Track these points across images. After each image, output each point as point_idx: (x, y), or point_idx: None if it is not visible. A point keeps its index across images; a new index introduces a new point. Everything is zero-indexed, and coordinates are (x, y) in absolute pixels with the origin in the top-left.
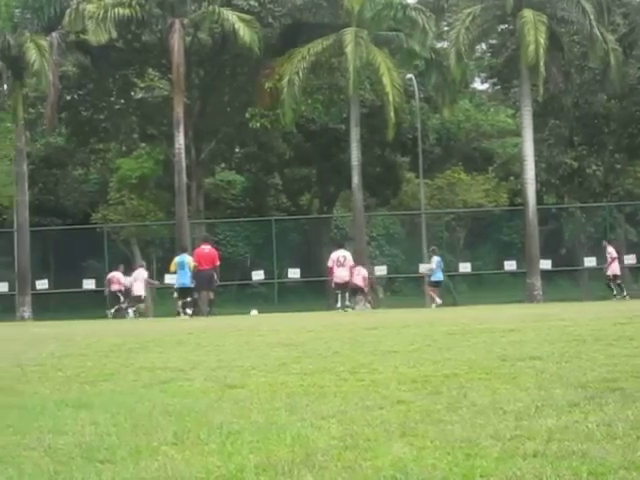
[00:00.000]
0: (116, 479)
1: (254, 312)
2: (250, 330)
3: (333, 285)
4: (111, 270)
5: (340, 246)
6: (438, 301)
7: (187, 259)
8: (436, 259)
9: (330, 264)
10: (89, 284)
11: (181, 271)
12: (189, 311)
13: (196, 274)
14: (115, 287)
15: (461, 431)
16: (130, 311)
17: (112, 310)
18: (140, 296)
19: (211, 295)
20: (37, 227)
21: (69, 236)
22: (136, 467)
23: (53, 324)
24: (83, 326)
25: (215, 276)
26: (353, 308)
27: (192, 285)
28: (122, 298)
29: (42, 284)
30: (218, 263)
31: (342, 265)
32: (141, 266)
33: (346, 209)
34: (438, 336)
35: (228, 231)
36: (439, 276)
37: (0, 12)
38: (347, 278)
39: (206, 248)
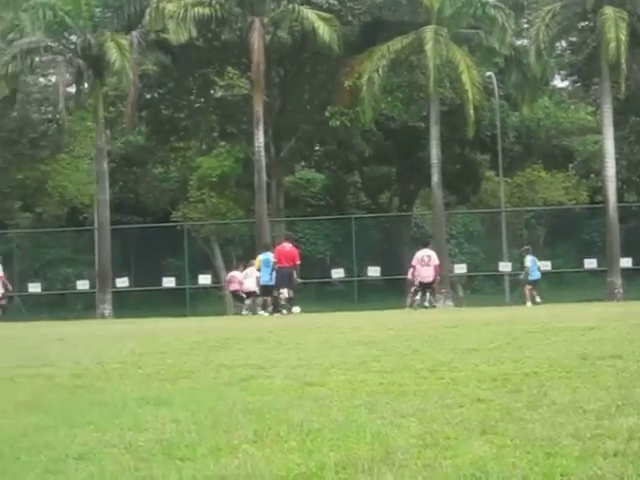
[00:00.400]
0: (196, 476)
1: (296, 309)
2: (330, 328)
3: (417, 284)
4: (229, 269)
5: (425, 245)
6: (529, 304)
7: (271, 257)
8: (529, 258)
9: (414, 263)
10: (169, 282)
11: (265, 268)
12: (269, 309)
13: (276, 271)
14: (235, 287)
15: (541, 430)
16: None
17: (244, 310)
18: (254, 292)
19: (290, 293)
20: (117, 225)
21: (149, 234)
22: (216, 464)
23: (133, 322)
24: (163, 324)
25: (295, 274)
26: (434, 306)
27: (273, 283)
28: (245, 296)
29: (122, 282)
30: (298, 262)
31: (427, 264)
32: (252, 265)
33: (426, 207)
34: (518, 334)
35: (308, 229)
36: (536, 275)
37: (81, 11)
38: (432, 278)
39: (287, 246)
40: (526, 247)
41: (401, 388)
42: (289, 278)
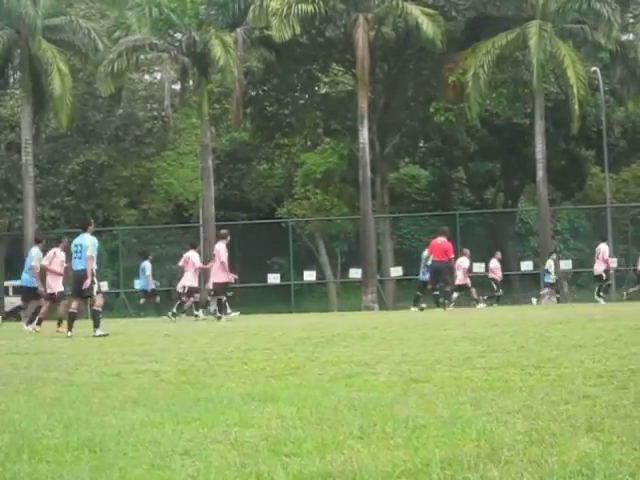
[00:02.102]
0: (302, 472)
1: (534, 300)
2: (435, 324)
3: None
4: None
5: (602, 240)
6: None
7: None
8: None
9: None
10: (274, 278)
11: (424, 267)
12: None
13: (430, 266)
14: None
15: None
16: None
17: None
18: (464, 284)
19: (447, 287)
20: (223, 222)
21: (254, 230)
22: (322, 460)
23: (239, 318)
24: (269, 320)
25: (448, 268)
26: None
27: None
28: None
29: None
30: (452, 255)
31: (597, 257)
32: (464, 254)
33: (531, 203)
34: (624, 330)
35: (412, 225)
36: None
37: (186, 9)
38: (599, 271)
39: (440, 240)
40: None
41: (507, 384)
42: (440, 272)
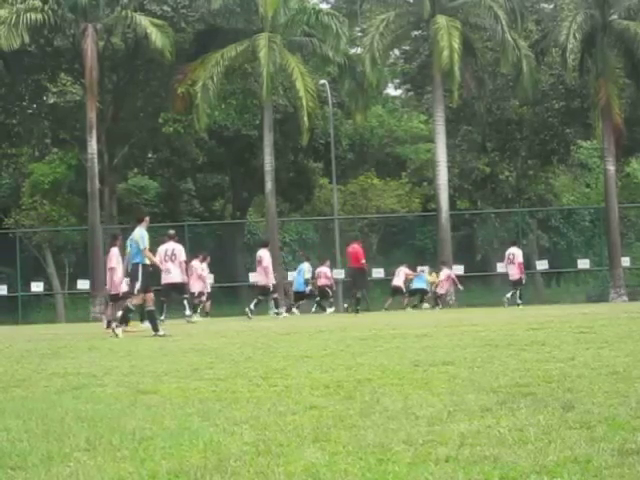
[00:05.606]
0: None
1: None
2: (168, 336)
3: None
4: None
5: (513, 244)
6: (406, 302)
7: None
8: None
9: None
10: (1, 290)
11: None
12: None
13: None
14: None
15: (374, 436)
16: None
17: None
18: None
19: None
20: None
21: None
22: (48, 473)
23: None
24: None
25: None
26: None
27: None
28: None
29: None
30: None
31: (512, 263)
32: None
33: (259, 214)
34: (351, 341)
35: None
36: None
37: None
38: (516, 276)
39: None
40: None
41: (234, 395)
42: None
